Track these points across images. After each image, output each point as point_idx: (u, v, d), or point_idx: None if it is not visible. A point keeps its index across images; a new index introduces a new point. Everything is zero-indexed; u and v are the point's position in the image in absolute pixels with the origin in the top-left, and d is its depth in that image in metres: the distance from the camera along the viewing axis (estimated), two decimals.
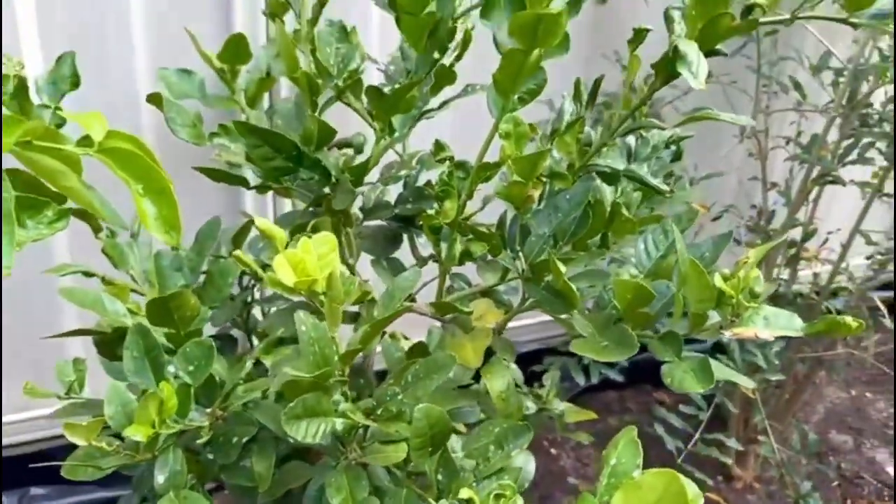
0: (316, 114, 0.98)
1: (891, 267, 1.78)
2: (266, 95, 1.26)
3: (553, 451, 2.11)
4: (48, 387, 0.98)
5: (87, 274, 1.04)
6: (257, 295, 1.22)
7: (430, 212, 0.94)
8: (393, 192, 1.13)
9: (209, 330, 1.05)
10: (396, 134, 1.02)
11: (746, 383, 0.89)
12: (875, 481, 2.10)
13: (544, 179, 0.91)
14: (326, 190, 1.01)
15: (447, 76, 0.98)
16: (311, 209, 1.04)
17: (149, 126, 1.37)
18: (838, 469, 2.09)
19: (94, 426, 0.77)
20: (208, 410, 0.87)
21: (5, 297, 1.40)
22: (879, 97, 1.66)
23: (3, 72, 0.82)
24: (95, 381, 1.00)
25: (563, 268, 0.82)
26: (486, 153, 0.90)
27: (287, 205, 1.49)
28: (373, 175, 1.06)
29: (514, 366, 1.05)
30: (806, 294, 1.84)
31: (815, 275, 1.89)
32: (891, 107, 1.62)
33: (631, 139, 0.94)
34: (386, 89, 0.99)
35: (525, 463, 0.87)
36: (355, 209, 1.09)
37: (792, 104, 1.78)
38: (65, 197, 0.64)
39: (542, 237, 0.90)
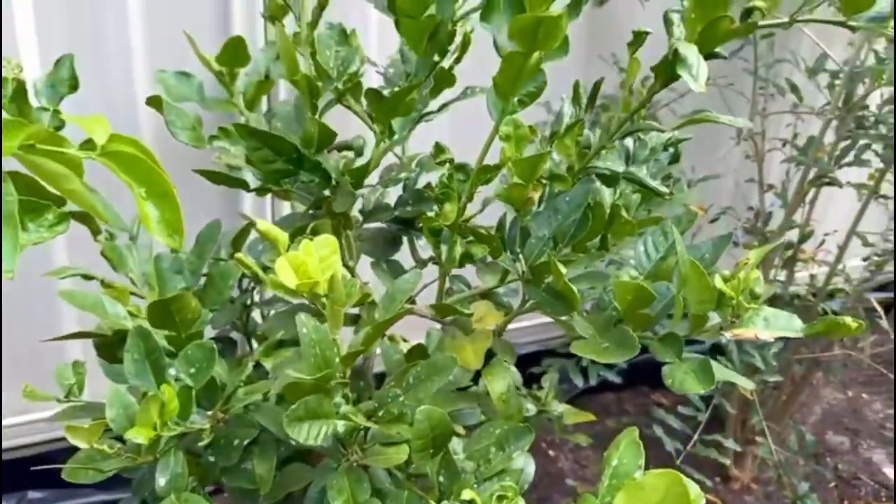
0: (316, 116, 0.98)
1: (887, 268, 1.79)
2: (264, 98, 1.26)
3: (551, 452, 2.11)
4: (46, 390, 0.98)
5: (87, 277, 1.04)
6: (256, 298, 1.22)
7: (430, 214, 0.94)
8: (392, 194, 1.13)
9: (208, 333, 1.05)
10: (396, 136, 1.02)
11: (746, 384, 0.89)
12: (872, 482, 2.11)
13: (544, 181, 0.92)
14: (326, 192, 1.01)
15: (446, 79, 0.98)
16: (310, 212, 1.05)
17: (146, 129, 1.37)
18: (835, 470, 2.10)
19: (96, 429, 0.77)
20: (209, 413, 0.87)
21: (4, 300, 1.40)
22: (875, 99, 1.67)
23: (3, 75, 0.82)
24: (94, 384, 1.00)
25: (563, 269, 0.82)
26: (486, 155, 0.90)
27: (285, 207, 1.49)
28: (372, 178, 1.06)
29: (513, 368, 1.06)
30: (803, 296, 1.84)
31: (812, 276, 1.90)
32: (886, 109, 1.63)
33: (629, 141, 0.95)
34: (385, 92, 0.99)
35: (525, 465, 0.87)
36: (355, 212, 1.09)
37: (788, 106, 1.78)
38: (64, 200, 0.65)
39: (542, 239, 0.90)
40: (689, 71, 0.76)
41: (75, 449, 0.83)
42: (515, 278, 0.94)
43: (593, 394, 2.11)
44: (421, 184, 1.10)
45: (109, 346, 0.98)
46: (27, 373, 1.19)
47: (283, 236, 0.77)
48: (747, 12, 0.78)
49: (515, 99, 0.85)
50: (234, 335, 1.20)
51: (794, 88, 1.71)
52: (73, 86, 0.95)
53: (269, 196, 1.39)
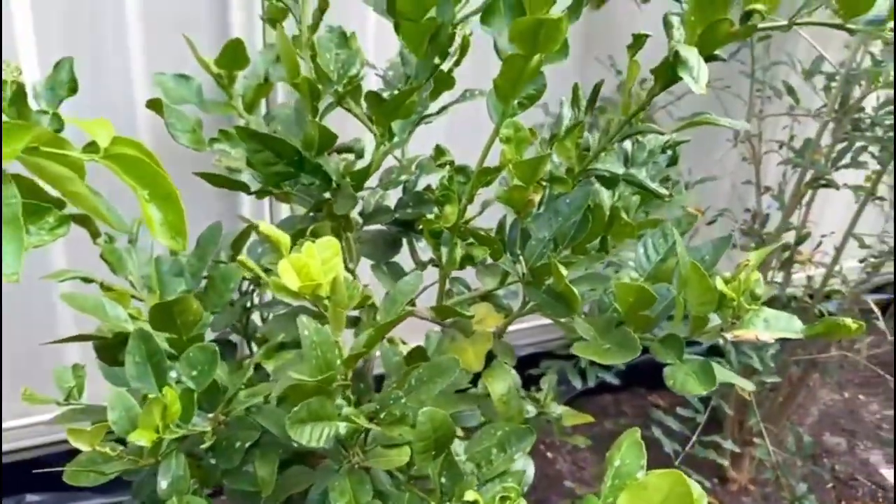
0: (316, 119, 0.98)
1: (883, 270, 1.80)
2: (263, 101, 1.26)
3: (549, 454, 2.11)
4: (45, 393, 0.97)
5: (86, 280, 1.04)
6: (256, 300, 1.22)
7: (431, 216, 0.94)
8: (392, 196, 1.13)
9: (208, 335, 1.05)
10: (396, 139, 1.02)
11: (745, 385, 0.89)
12: (869, 483, 2.11)
13: (544, 184, 0.92)
14: (327, 195, 1.01)
15: (446, 82, 0.98)
16: (310, 214, 1.05)
17: (144, 131, 1.37)
18: (832, 471, 2.11)
19: (99, 431, 0.77)
20: (211, 415, 0.87)
21: (4, 303, 1.39)
22: (871, 101, 1.68)
23: (2, 77, 0.82)
24: (92, 387, 1.00)
25: (564, 271, 0.83)
26: (486, 158, 0.90)
27: (284, 210, 1.49)
28: (372, 180, 1.07)
29: (513, 370, 1.06)
30: (800, 297, 1.85)
31: (809, 278, 1.90)
32: (882, 111, 1.64)
33: (627, 144, 0.95)
34: (385, 95, 0.99)
35: (524, 466, 0.87)
36: (355, 214, 1.09)
37: (785, 108, 1.79)
38: (64, 202, 0.65)
39: (543, 241, 0.91)
40: (689, 73, 0.77)
41: (75, 452, 0.82)
42: (516, 280, 0.94)
43: (591, 395, 2.11)
44: (421, 186, 1.11)
45: (110, 349, 0.97)
46: (26, 376, 1.19)
47: (285, 239, 0.77)
48: (747, 15, 0.78)
49: (515, 101, 0.85)
50: (234, 338, 1.19)
51: (791, 91, 1.72)
52: (73, 88, 0.95)
53: (267, 199, 1.40)
